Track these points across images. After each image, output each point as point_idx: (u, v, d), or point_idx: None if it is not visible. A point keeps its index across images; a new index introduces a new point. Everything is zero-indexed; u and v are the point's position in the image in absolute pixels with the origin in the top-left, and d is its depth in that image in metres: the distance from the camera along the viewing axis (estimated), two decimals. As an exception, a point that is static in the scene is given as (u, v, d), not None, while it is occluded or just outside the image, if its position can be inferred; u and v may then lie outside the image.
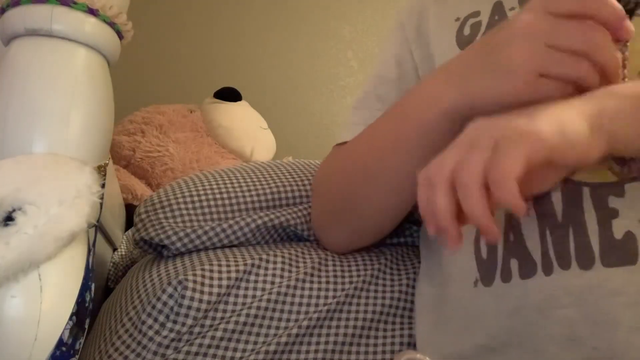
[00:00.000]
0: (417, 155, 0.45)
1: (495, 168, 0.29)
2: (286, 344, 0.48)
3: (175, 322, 0.48)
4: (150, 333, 0.48)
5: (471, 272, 0.44)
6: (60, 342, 0.35)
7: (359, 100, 0.59)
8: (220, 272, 0.51)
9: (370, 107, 0.57)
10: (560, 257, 0.38)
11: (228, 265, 0.51)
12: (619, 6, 0.34)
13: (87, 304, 0.39)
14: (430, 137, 0.43)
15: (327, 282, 0.52)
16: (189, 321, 0.48)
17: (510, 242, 0.41)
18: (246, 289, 0.51)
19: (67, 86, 0.40)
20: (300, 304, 0.51)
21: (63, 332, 0.35)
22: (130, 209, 0.91)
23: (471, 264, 0.44)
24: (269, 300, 0.50)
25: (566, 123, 0.31)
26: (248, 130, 1.26)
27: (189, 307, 0.48)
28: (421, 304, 0.51)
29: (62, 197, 0.35)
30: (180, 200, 0.58)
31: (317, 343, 0.49)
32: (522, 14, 0.37)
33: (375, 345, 0.50)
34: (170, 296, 0.48)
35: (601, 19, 0.34)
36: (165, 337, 0.47)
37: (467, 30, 0.51)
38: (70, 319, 0.36)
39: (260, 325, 0.49)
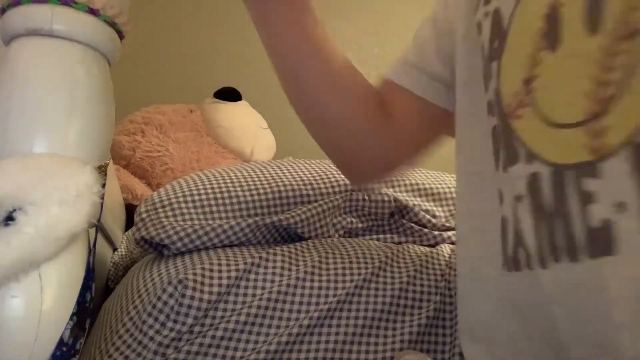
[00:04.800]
0: None
1: None
2: (287, 342, 0.48)
3: (175, 321, 0.48)
4: (151, 332, 0.48)
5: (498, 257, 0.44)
6: (61, 342, 0.35)
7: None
8: (220, 271, 0.51)
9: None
10: (553, 250, 0.37)
11: (228, 264, 0.52)
12: None
13: (87, 304, 0.39)
14: None
15: (328, 281, 0.52)
16: (190, 320, 0.48)
17: (517, 233, 0.40)
18: (246, 287, 0.51)
19: (67, 86, 0.40)
20: (301, 303, 0.51)
21: (64, 332, 0.35)
22: (130, 209, 0.91)
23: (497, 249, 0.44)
24: (269, 299, 0.50)
25: None
26: (248, 130, 1.26)
27: (190, 306, 0.48)
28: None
29: (63, 197, 0.35)
30: (181, 199, 0.58)
31: (318, 342, 0.49)
32: None
33: (377, 344, 0.50)
34: (171, 295, 0.48)
35: None
36: (165, 336, 0.47)
37: None
38: (71, 319, 0.36)
39: (261, 324, 0.49)
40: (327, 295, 0.51)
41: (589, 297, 0.35)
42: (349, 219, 0.64)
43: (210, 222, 0.56)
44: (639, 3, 0.34)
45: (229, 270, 0.51)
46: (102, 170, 0.42)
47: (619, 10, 0.35)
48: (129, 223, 0.88)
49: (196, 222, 0.56)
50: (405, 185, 0.70)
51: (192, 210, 0.57)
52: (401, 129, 0.58)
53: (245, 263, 0.52)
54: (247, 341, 0.48)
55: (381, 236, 0.67)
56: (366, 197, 0.65)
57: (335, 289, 0.52)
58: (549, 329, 0.39)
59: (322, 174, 0.66)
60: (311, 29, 0.55)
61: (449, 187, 0.73)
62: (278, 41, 0.55)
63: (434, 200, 0.71)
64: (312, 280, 0.52)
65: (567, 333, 0.37)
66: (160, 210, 0.57)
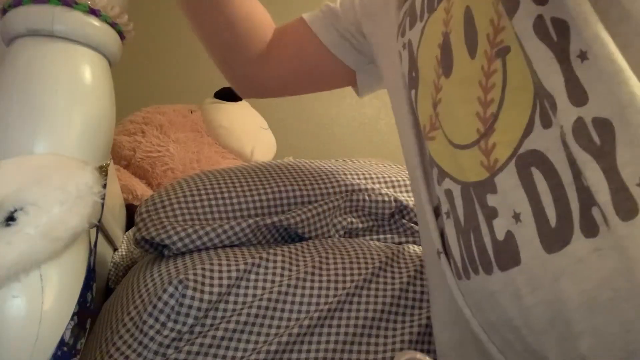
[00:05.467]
0: None
1: None
2: (287, 343, 0.48)
3: (176, 321, 0.48)
4: (152, 332, 0.48)
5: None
6: (62, 342, 0.35)
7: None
8: (220, 271, 0.51)
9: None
10: (471, 262, 0.39)
11: (229, 264, 0.52)
12: None
13: (88, 304, 0.39)
14: None
15: (329, 281, 0.52)
16: (190, 320, 0.48)
17: (444, 246, 0.43)
18: (247, 287, 0.51)
19: (68, 86, 0.40)
20: (301, 303, 0.51)
21: (64, 332, 0.35)
22: (130, 209, 0.91)
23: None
24: (269, 299, 0.50)
25: None
26: (248, 130, 1.26)
27: (190, 307, 0.48)
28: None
29: (64, 197, 0.35)
30: (182, 199, 0.58)
31: (319, 342, 0.49)
32: None
33: (377, 344, 0.50)
34: (171, 295, 0.48)
35: None
36: (166, 336, 0.47)
37: None
38: (72, 318, 0.36)
39: (261, 325, 0.49)
40: (327, 296, 0.51)
41: (507, 305, 0.36)
42: (349, 219, 0.65)
43: (210, 222, 0.56)
44: (504, 23, 0.36)
45: (229, 271, 0.51)
46: (102, 170, 0.42)
47: (487, 33, 0.37)
48: (129, 223, 0.88)
49: (196, 222, 0.56)
50: (405, 185, 0.70)
51: (192, 211, 0.57)
52: (277, 56, 0.67)
53: (246, 263, 0.52)
54: (248, 341, 0.48)
55: (381, 236, 0.67)
56: (367, 198, 0.65)
57: (336, 289, 0.52)
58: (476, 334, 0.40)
59: (322, 174, 0.66)
60: None
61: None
62: None
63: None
64: (312, 281, 0.52)
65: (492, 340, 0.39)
66: (160, 210, 0.57)
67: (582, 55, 0.32)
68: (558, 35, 0.33)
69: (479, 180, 0.38)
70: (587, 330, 0.32)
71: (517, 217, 0.35)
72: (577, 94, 0.32)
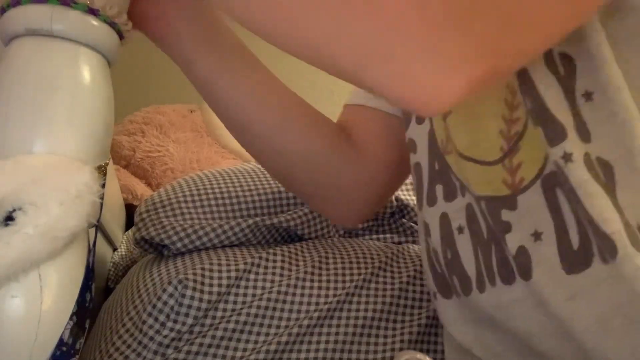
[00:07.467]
0: None
1: None
2: (287, 343, 0.48)
3: (175, 321, 0.48)
4: (151, 332, 0.48)
5: (430, 287, 0.47)
6: (61, 342, 0.35)
7: None
8: (220, 271, 0.51)
9: None
10: (489, 275, 0.39)
11: (228, 264, 0.52)
12: None
13: (87, 304, 0.39)
14: None
15: (328, 281, 0.52)
16: (190, 320, 0.48)
17: (448, 259, 0.42)
18: (246, 287, 0.51)
19: (67, 86, 0.40)
20: (300, 303, 0.51)
21: (63, 332, 0.35)
22: (130, 209, 0.91)
23: (429, 280, 0.47)
24: (269, 299, 0.50)
25: None
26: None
27: (190, 307, 0.48)
28: None
29: (63, 197, 0.35)
30: (181, 199, 0.58)
31: (318, 342, 0.49)
32: None
33: (377, 344, 0.50)
34: (171, 295, 0.48)
35: None
36: (165, 336, 0.47)
37: None
38: (71, 318, 0.36)
39: (261, 324, 0.49)
40: (327, 296, 0.51)
41: (526, 315, 0.36)
42: (349, 219, 0.64)
43: (210, 222, 0.56)
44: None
45: (229, 271, 0.51)
46: (102, 170, 0.41)
47: None
48: (129, 223, 0.88)
49: (196, 222, 0.56)
50: (405, 184, 0.70)
51: (192, 211, 0.57)
52: (373, 154, 0.54)
53: (245, 263, 0.52)
54: (247, 341, 0.48)
55: (381, 236, 0.67)
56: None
57: (335, 289, 0.52)
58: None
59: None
60: (248, 73, 0.50)
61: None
62: (217, 92, 0.51)
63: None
64: (312, 281, 0.52)
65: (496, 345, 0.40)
66: (160, 210, 0.57)
67: (587, 96, 0.32)
68: (565, 70, 0.33)
69: (495, 196, 0.37)
70: (598, 349, 0.32)
71: (537, 235, 0.35)
72: (583, 132, 0.33)
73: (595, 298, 0.32)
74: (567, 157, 0.32)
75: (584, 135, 0.33)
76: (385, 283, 0.54)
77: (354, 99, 0.57)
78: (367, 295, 0.52)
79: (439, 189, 0.43)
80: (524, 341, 0.38)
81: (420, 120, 0.45)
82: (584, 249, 0.33)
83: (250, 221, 0.57)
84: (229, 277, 0.50)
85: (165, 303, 0.48)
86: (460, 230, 0.41)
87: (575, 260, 0.33)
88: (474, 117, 0.39)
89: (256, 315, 0.49)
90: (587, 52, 0.32)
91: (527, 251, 0.35)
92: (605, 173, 0.32)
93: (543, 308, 0.35)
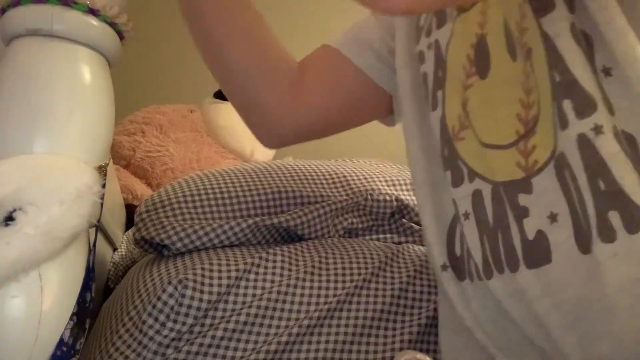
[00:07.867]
0: None
1: None
2: (287, 342, 0.48)
3: (175, 321, 0.48)
4: (151, 332, 0.48)
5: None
6: (61, 342, 0.35)
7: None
8: (220, 271, 0.51)
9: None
10: (496, 262, 0.39)
11: (228, 264, 0.52)
12: None
13: (87, 304, 0.39)
14: None
15: (328, 281, 0.52)
16: (190, 320, 0.48)
17: (464, 246, 0.43)
18: (246, 287, 0.51)
19: (67, 86, 0.40)
20: (300, 303, 0.51)
21: (64, 332, 0.35)
22: (130, 209, 0.91)
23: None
24: (269, 299, 0.50)
25: None
26: (248, 130, 1.26)
27: (190, 307, 0.48)
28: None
29: (63, 197, 0.35)
30: (181, 199, 0.58)
31: (318, 342, 0.49)
32: None
33: (377, 344, 0.50)
34: (171, 295, 0.48)
35: None
36: (165, 336, 0.47)
37: None
38: (71, 318, 0.36)
39: (261, 324, 0.49)
40: (327, 295, 0.51)
41: (533, 302, 0.37)
42: (349, 219, 0.64)
43: (210, 222, 0.56)
44: (527, 24, 0.37)
45: (229, 271, 0.51)
46: (102, 170, 0.42)
47: (517, 35, 0.38)
48: (129, 223, 0.88)
49: (196, 222, 0.56)
50: (406, 184, 0.70)
51: (192, 211, 0.57)
52: (318, 102, 0.58)
53: (245, 263, 0.52)
54: (247, 341, 0.48)
55: (381, 236, 0.67)
56: (368, 197, 0.65)
57: (335, 289, 0.52)
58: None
59: (322, 174, 0.66)
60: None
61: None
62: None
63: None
64: (312, 280, 0.52)
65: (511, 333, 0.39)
66: (160, 210, 0.57)
67: (606, 71, 0.34)
68: (587, 45, 0.34)
69: (511, 180, 0.38)
70: (606, 334, 0.33)
71: (553, 217, 0.36)
72: (608, 105, 0.34)
73: (604, 278, 0.33)
74: (598, 129, 0.33)
75: (610, 108, 0.34)
76: (385, 283, 0.54)
77: (334, 42, 0.58)
78: (367, 295, 0.52)
79: (448, 175, 0.44)
80: (526, 331, 0.38)
81: (434, 106, 0.46)
82: (588, 228, 0.33)
83: (250, 221, 0.57)
84: (229, 277, 0.50)
85: (165, 303, 0.48)
86: (466, 216, 0.42)
87: (587, 238, 0.34)
88: (491, 102, 0.40)
89: (256, 315, 0.49)
90: (603, 27, 0.33)
91: (544, 234, 0.36)
92: (629, 145, 0.33)
93: (550, 297, 0.35)
